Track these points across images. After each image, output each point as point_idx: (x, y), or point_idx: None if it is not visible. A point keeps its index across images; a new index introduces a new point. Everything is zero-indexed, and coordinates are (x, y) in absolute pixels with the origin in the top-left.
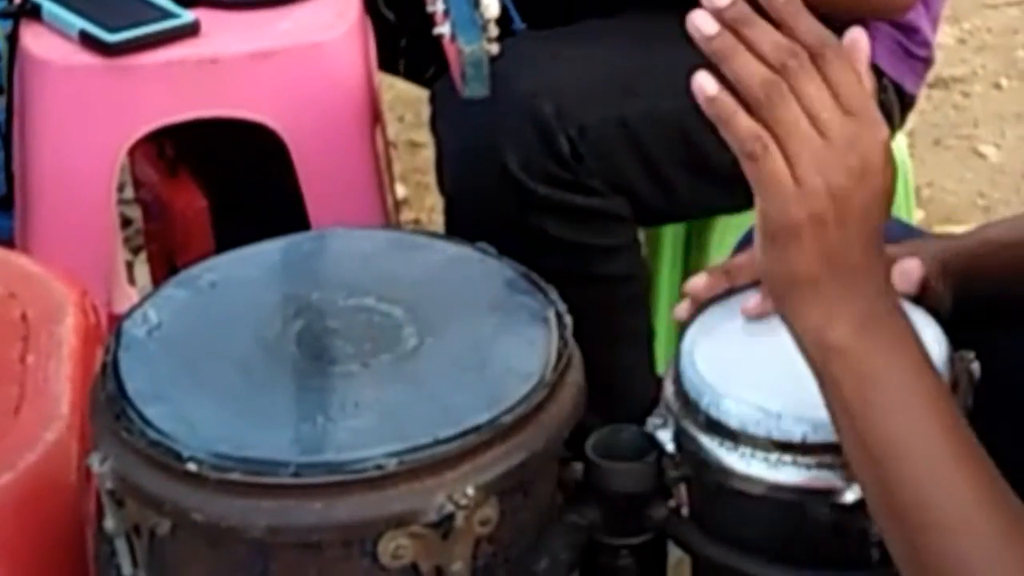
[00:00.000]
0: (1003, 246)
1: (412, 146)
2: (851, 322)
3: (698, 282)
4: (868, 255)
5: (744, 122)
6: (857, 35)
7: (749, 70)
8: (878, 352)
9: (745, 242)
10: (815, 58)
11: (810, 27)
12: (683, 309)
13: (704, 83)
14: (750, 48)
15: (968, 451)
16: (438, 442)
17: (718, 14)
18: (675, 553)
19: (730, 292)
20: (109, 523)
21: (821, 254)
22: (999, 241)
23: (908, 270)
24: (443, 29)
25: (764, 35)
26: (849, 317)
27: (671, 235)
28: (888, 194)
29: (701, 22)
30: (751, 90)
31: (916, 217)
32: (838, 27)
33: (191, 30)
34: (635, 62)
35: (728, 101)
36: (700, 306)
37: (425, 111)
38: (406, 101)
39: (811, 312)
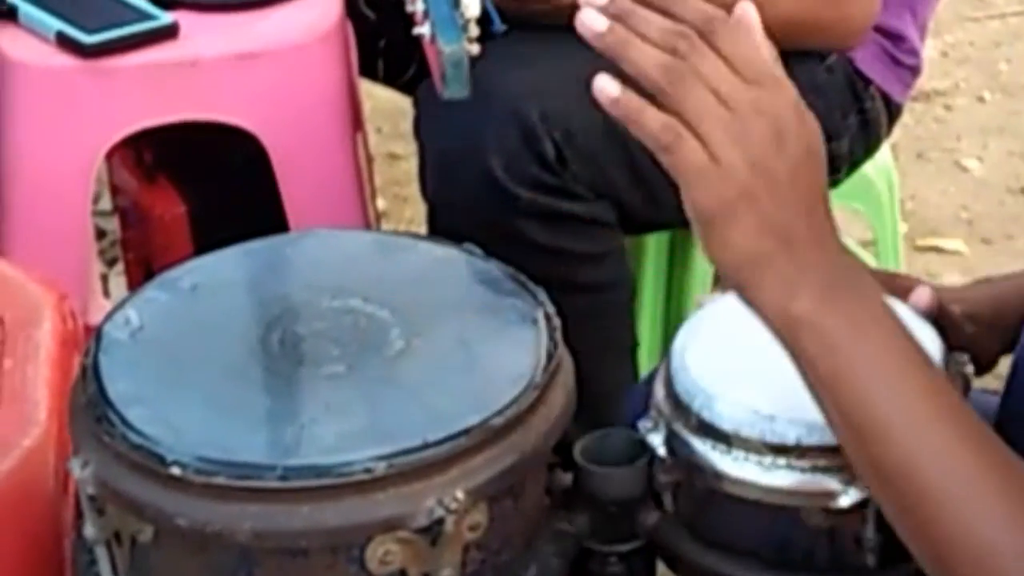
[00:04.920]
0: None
1: (390, 158)
2: (813, 293)
3: None
4: (814, 221)
5: (653, 115)
6: (744, 7)
7: (645, 58)
8: (846, 321)
9: None
10: (705, 35)
11: (692, 6)
12: None
13: (606, 85)
14: (641, 38)
15: (953, 411)
16: (427, 445)
17: (604, 10)
18: None
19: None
20: (89, 530)
21: (762, 228)
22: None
23: (918, 298)
24: (423, 29)
25: (650, 23)
26: (810, 288)
27: (655, 244)
28: (813, 154)
29: (590, 20)
30: (651, 77)
31: (900, 230)
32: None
33: (170, 32)
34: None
35: (633, 98)
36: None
37: (403, 122)
38: (384, 113)
39: (770, 289)
